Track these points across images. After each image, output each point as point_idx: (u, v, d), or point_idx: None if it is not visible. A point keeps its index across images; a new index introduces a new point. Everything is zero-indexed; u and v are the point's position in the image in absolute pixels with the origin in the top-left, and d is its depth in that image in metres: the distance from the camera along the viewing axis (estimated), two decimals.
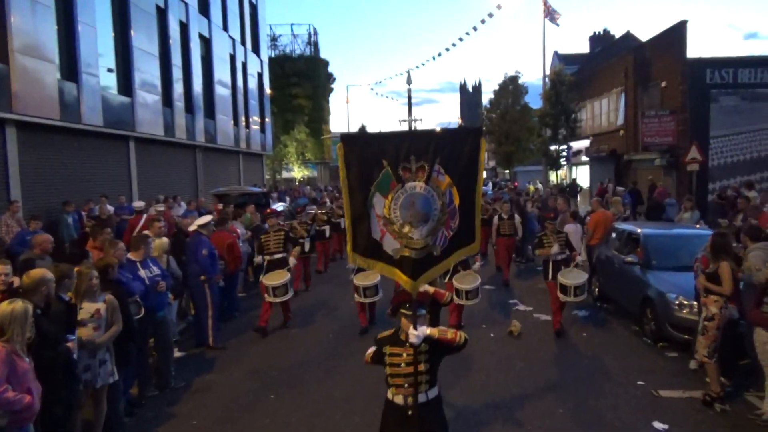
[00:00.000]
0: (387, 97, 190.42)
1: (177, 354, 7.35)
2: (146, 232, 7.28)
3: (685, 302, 7.11)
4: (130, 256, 6.03)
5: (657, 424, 5.31)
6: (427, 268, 4.02)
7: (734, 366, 6.35)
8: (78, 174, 14.11)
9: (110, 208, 12.86)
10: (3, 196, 11.41)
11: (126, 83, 16.45)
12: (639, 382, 6.34)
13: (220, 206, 13.76)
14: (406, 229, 3.89)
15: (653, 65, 23.40)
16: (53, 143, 13.23)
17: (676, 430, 5.25)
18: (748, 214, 10.30)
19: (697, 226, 10.66)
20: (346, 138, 4.21)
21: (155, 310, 6.07)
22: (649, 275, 8.04)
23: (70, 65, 13.65)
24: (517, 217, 12.70)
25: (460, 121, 76.08)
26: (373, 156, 3.92)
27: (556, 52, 41.21)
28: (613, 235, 10.23)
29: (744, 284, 6.12)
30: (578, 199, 24.90)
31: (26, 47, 11.72)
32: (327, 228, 13.63)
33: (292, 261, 9.02)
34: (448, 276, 8.09)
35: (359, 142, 4.18)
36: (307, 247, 11.58)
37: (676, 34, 21.40)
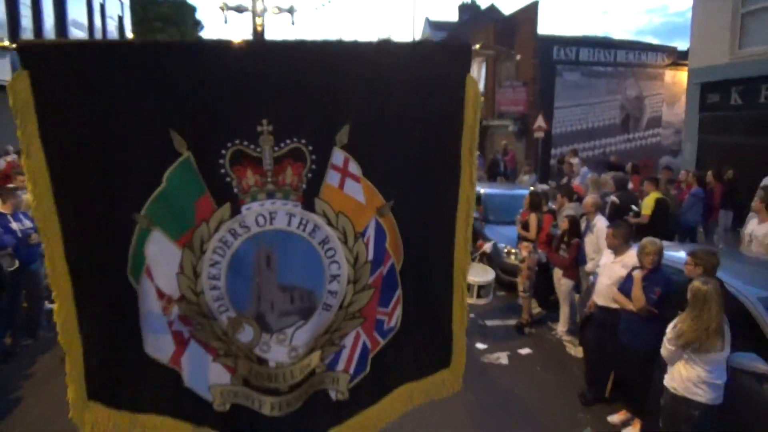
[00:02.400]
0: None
1: (48, 305, 7.46)
2: (11, 185, 7.20)
3: (512, 250, 8.61)
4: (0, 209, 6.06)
5: (479, 344, 6.66)
6: None
7: (546, 299, 7.94)
8: None
9: None
10: None
11: None
12: (471, 315, 7.70)
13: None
14: (248, 333, 2.05)
15: (511, 39, 25.55)
16: None
17: (493, 347, 6.63)
18: (570, 177, 12.28)
19: (532, 187, 12.47)
20: (39, 53, 1.82)
21: (28, 263, 6.19)
22: (486, 228, 9.50)
23: None
24: None
25: None
26: (139, 118, 1.87)
27: (427, 19, 42.72)
28: None
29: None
30: None
31: None
32: None
33: None
34: None
35: (88, 71, 1.81)
36: None
37: (530, 13, 23.58)
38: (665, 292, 4.45)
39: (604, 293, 5.10)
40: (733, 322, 3.85)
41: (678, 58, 23.66)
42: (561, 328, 6.89)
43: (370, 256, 2.13)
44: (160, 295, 2.02)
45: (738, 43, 12.22)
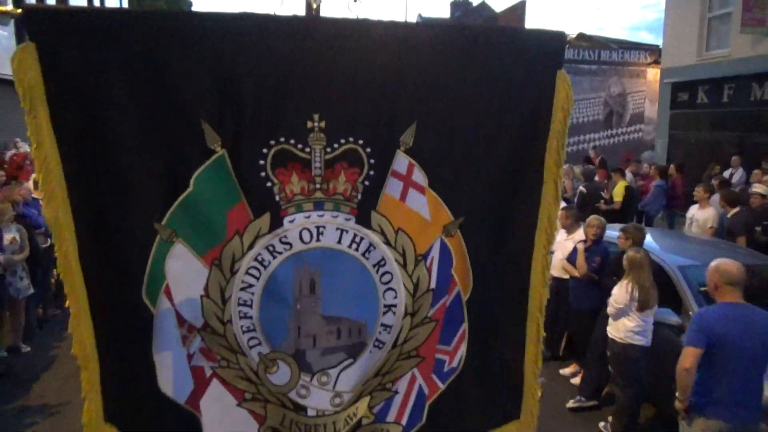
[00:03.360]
0: None
1: None
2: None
3: None
4: (35, 194, 6.87)
5: None
6: None
7: None
8: None
9: None
10: None
11: None
12: None
13: None
14: (284, 374, 1.75)
15: None
16: None
17: None
18: None
19: None
20: (49, 21, 1.54)
21: None
22: None
23: None
24: None
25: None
26: (166, 105, 1.61)
27: (419, 15, 43.48)
28: None
29: None
30: None
31: None
32: None
33: None
34: None
35: (107, 45, 1.55)
36: None
37: (518, 11, 24.45)
38: (604, 261, 5.34)
39: (558, 266, 5.99)
40: (657, 284, 4.76)
41: (659, 56, 24.60)
42: None
43: (433, 284, 1.79)
44: (180, 321, 1.70)
45: (705, 46, 13.15)
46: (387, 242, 1.77)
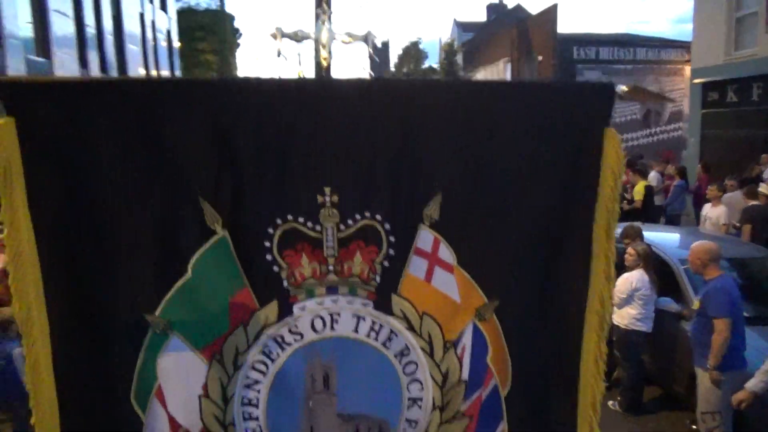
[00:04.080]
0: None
1: None
2: None
3: None
4: None
5: None
6: None
7: None
8: None
9: None
10: None
11: (44, 45, 17.09)
12: None
13: None
14: None
15: (532, 41, 26.74)
16: None
17: None
18: None
19: None
20: (28, 94, 1.46)
21: None
22: None
23: None
24: None
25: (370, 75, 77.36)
26: (159, 182, 1.51)
27: (455, 20, 44.03)
28: None
29: None
30: None
31: None
32: None
33: None
34: None
35: (92, 118, 1.46)
36: None
37: (550, 15, 24.73)
38: None
39: None
40: (659, 274, 5.32)
41: None
42: None
43: (465, 375, 1.67)
44: (174, 426, 1.57)
45: (734, 45, 13.35)
46: (411, 328, 1.62)
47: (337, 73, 2.26)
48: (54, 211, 1.45)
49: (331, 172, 1.53)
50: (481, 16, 47.07)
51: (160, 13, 30.08)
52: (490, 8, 45.36)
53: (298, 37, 2.15)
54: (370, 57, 2.92)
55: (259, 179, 1.52)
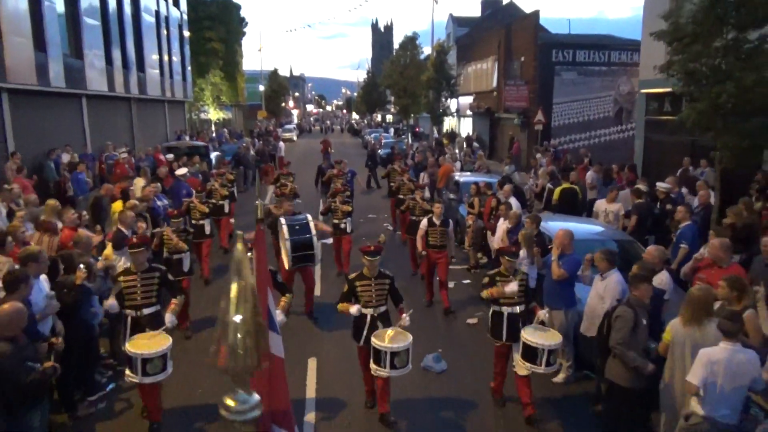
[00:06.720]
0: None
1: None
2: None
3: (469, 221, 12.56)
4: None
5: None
6: None
7: (488, 252, 11.89)
8: (47, 128, 17.40)
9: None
10: (3, 148, 14.82)
11: (77, 48, 19.45)
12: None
13: (171, 157, 17.79)
14: None
15: (516, 43, 28.95)
16: (32, 104, 16.44)
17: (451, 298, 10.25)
18: (535, 169, 16.14)
19: (512, 174, 16.38)
20: None
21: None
22: (460, 207, 13.44)
23: (38, 38, 16.68)
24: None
25: (368, 66, 79.38)
26: None
27: (450, 15, 45.93)
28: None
29: None
30: (455, 144, 30.22)
31: (13, 27, 14.82)
32: (225, 203, 12.40)
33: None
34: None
35: None
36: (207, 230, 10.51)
37: (532, 20, 26.94)
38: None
39: (497, 242, 9.11)
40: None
41: None
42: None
43: None
44: None
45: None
46: None
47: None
48: None
49: None
50: (476, 11, 48.86)
51: (172, 9, 32.27)
52: (484, 3, 47.28)
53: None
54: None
55: None
